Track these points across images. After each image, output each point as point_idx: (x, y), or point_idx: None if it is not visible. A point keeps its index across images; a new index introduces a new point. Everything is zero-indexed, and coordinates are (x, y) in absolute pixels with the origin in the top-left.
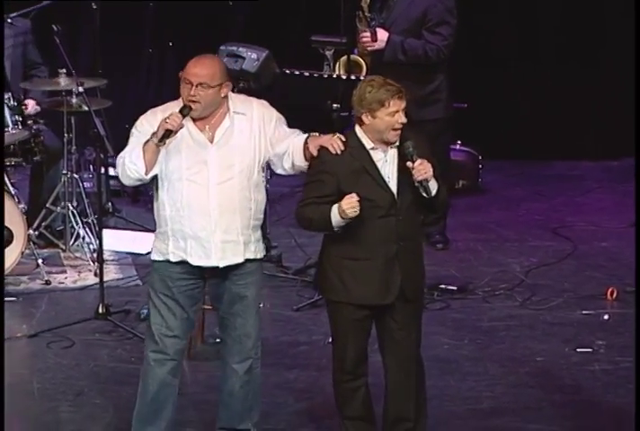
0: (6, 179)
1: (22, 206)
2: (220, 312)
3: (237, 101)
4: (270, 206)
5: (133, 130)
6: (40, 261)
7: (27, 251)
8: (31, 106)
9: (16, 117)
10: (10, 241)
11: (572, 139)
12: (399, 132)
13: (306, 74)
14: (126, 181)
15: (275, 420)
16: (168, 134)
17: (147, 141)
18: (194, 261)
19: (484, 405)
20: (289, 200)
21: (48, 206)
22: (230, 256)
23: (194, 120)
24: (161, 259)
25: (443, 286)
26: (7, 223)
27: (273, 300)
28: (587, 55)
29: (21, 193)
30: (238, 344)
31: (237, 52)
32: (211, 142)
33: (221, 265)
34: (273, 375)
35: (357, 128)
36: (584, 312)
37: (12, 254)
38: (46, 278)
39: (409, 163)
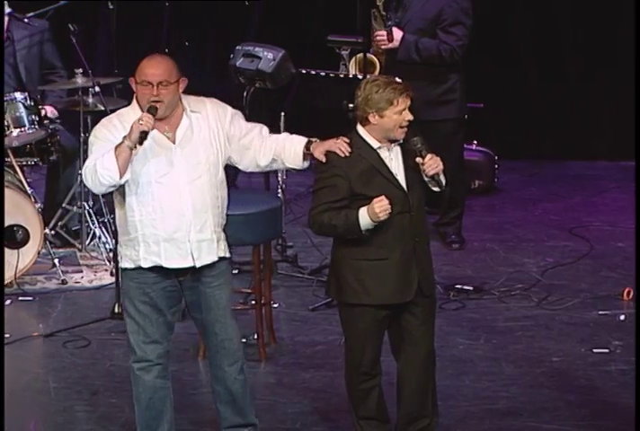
0: (23, 178)
1: (38, 205)
2: (199, 320)
3: (190, 101)
4: (286, 206)
5: (92, 139)
6: (56, 261)
7: (43, 251)
8: (50, 112)
9: (33, 116)
10: (26, 241)
11: (588, 139)
12: (406, 129)
13: (323, 73)
14: (97, 189)
15: (291, 420)
16: (144, 135)
17: (119, 146)
18: (169, 264)
19: (500, 405)
20: (305, 200)
21: (64, 205)
22: (205, 255)
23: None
24: (132, 266)
25: (459, 286)
26: (24, 222)
27: (289, 300)
28: (605, 54)
29: (37, 192)
30: (222, 349)
31: (254, 52)
32: (173, 142)
33: (197, 265)
34: (289, 375)
35: (359, 129)
36: (601, 312)
37: (28, 254)
38: (62, 278)
39: (419, 159)
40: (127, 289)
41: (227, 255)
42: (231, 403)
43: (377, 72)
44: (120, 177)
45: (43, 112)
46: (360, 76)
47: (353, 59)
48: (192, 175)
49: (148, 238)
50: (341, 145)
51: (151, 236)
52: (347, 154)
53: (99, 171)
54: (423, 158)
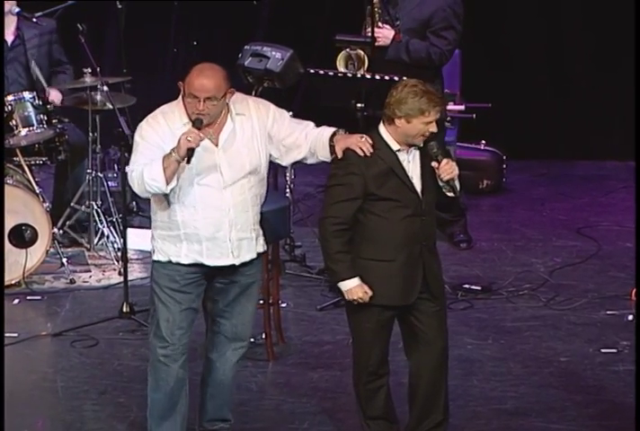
0: (31, 177)
1: (46, 204)
2: (220, 304)
3: (236, 101)
4: (294, 206)
5: (137, 139)
6: (64, 260)
7: (51, 250)
8: (55, 96)
9: (41, 116)
10: (35, 240)
11: (597, 139)
12: (426, 138)
13: (331, 73)
14: (143, 195)
15: (299, 419)
16: (192, 153)
17: (167, 157)
18: (210, 262)
19: (508, 405)
20: (313, 200)
21: (72, 204)
22: (245, 253)
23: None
24: (166, 260)
25: (467, 286)
26: (32, 221)
27: (297, 299)
28: (614, 55)
29: (45, 192)
30: (234, 334)
31: (262, 52)
32: (216, 145)
33: (237, 263)
34: (297, 375)
35: (381, 129)
36: (608, 312)
37: (36, 253)
38: (70, 277)
39: (434, 164)
40: (157, 276)
41: (264, 249)
42: (217, 397)
43: (365, 67)
44: (167, 187)
45: (47, 95)
46: (368, 76)
47: (340, 55)
48: (234, 177)
49: (191, 237)
50: (363, 145)
51: (193, 235)
52: (368, 154)
53: (146, 180)
54: (439, 163)
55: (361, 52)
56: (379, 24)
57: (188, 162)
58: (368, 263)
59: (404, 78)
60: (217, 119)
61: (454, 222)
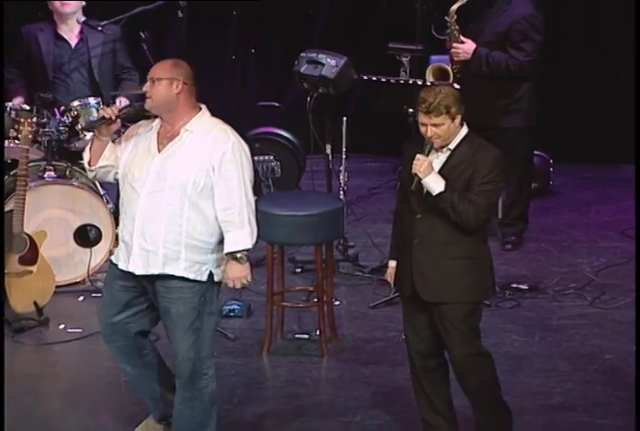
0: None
1: (110, 206)
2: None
3: (201, 121)
4: (347, 208)
5: None
6: None
7: (115, 250)
8: (124, 103)
9: None
10: (99, 240)
11: None
12: (437, 141)
13: (384, 80)
14: (90, 175)
15: (352, 413)
16: (101, 122)
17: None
18: (120, 265)
19: (554, 401)
20: (366, 202)
21: None
22: (145, 265)
23: (159, 132)
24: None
25: (515, 285)
26: (96, 222)
27: (350, 298)
28: None
29: (109, 193)
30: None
31: (317, 58)
32: (159, 151)
33: (137, 272)
34: (350, 370)
35: None
36: None
37: (101, 252)
38: None
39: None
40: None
41: (190, 276)
42: (175, 419)
43: (450, 80)
44: (90, 164)
45: (117, 102)
46: (419, 82)
47: (428, 69)
48: (155, 187)
49: (119, 235)
50: (237, 282)
51: (119, 234)
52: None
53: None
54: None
55: (447, 67)
56: (461, 38)
57: (90, 130)
58: (398, 253)
59: (455, 85)
60: (174, 127)
61: (511, 225)
